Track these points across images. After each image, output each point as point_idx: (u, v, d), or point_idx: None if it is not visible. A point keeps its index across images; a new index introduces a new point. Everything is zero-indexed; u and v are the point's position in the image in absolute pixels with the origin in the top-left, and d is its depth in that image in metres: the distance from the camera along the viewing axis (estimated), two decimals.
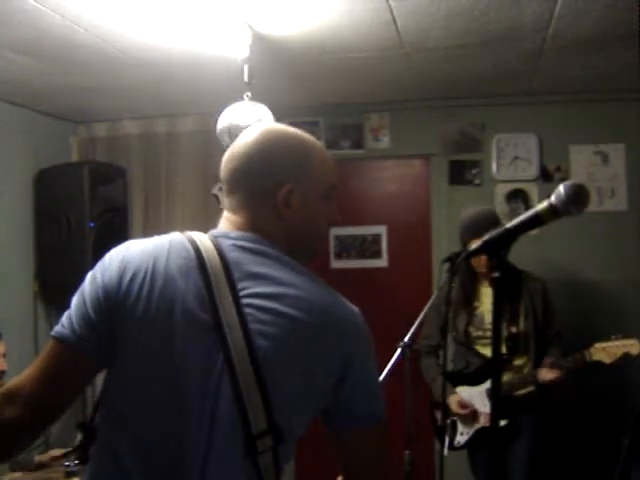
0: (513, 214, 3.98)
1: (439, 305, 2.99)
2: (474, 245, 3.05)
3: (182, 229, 1.35)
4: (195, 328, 1.19)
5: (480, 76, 3.61)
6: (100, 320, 1.23)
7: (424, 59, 3.27)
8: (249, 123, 2.85)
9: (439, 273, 1.23)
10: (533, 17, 2.71)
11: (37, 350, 3.94)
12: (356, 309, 1.29)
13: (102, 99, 3.91)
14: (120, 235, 4.19)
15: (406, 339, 2.54)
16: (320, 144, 1.39)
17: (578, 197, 1.20)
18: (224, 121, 2.87)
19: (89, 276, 1.28)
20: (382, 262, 4.32)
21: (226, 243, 1.27)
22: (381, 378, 2.29)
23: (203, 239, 1.27)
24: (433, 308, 2.93)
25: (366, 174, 4.33)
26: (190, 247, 1.25)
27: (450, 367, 3.23)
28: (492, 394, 1.19)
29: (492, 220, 3.00)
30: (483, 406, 3.00)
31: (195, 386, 1.17)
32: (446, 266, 1.26)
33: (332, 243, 4.35)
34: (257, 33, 2.82)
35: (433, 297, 2.75)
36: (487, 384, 2.97)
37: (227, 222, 1.33)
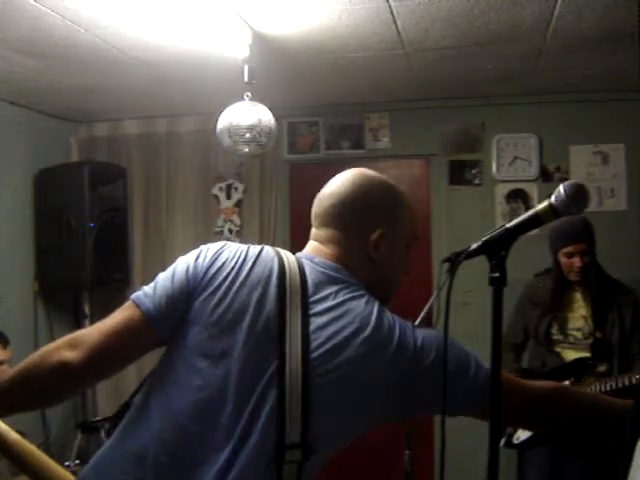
0: (513, 214, 3.98)
1: (523, 305, 3.15)
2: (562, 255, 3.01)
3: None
4: (259, 333, 1.26)
5: (480, 76, 3.61)
6: (180, 298, 1.30)
7: (424, 59, 3.27)
8: (249, 123, 2.85)
9: (439, 273, 1.24)
10: (533, 17, 2.71)
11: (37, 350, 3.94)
12: (417, 338, 1.30)
13: (102, 99, 3.91)
14: (120, 235, 4.20)
15: None
16: (404, 192, 1.46)
17: (578, 197, 1.20)
18: (224, 121, 2.87)
19: (182, 260, 1.36)
20: None
21: (310, 265, 1.35)
22: None
23: (290, 256, 1.37)
24: (518, 308, 3.16)
25: None
26: (277, 260, 1.34)
27: (525, 365, 3.22)
28: (491, 397, 1.18)
29: (586, 227, 2.96)
30: None
31: (243, 383, 1.23)
32: (446, 266, 1.25)
33: None
34: (257, 33, 2.82)
35: (433, 296, 2.73)
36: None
37: (313, 250, 1.40)
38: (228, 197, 4.34)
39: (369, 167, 1.52)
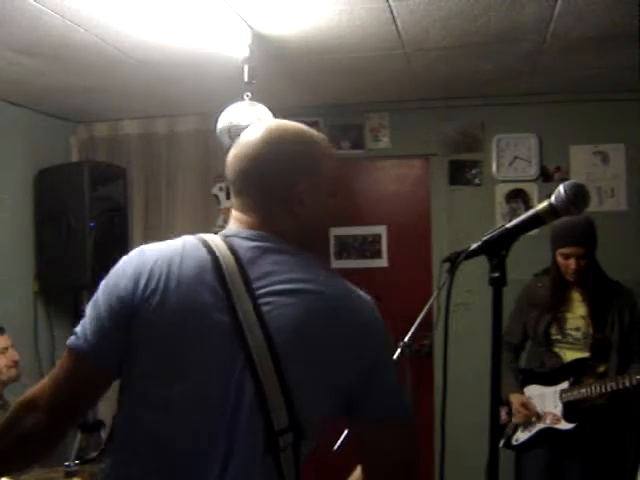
0: (513, 214, 3.98)
1: (522, 305, 3.14)
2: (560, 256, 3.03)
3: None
4: (213, 329, 1.19)
5: (480, 76, 3.61)
6: (115, 328, 1.23)
7: (424, 59, 3.27)
8: (249, 123, 2.85)
9: (439, 273, 1.24)
10: (533, 17, 2.71)
11: (37, 350, 3.95)
12: (370, 300, 1.27)
13: (102, 99, 3.91)
14: (120, 235, 4.19)
15: (406, 339, 2.54)
16: (323, 137, 1.37)
17: (578, 197, 1.20)
18: (224, 121, 2.87)
19: (102, 284, 1.27)
20: (382, 262, 4.32)
21: (238, 242, 1.26)
22: None
23: (216, 240, 1.27)
24: (516, 308, 3.15)
25: (366, 174, 4.33)
26: (204, 249, 1.25)
27: (523, 365, 3.23)
28: (492, 397, 1.18)
29: (587, 229, 2.93)
30: (553, 407, 2.98)
31: (215, 386, 1.17)
32: (446, 266, 1.25)
33: (332, 243, 4.35)
34: (257, 33, 2.82)
35: (433, 296, 2.73)
36: (562, 385, 2.97)
37: (237, 222, 1.31)
38: (228, 197, 4.34)
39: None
